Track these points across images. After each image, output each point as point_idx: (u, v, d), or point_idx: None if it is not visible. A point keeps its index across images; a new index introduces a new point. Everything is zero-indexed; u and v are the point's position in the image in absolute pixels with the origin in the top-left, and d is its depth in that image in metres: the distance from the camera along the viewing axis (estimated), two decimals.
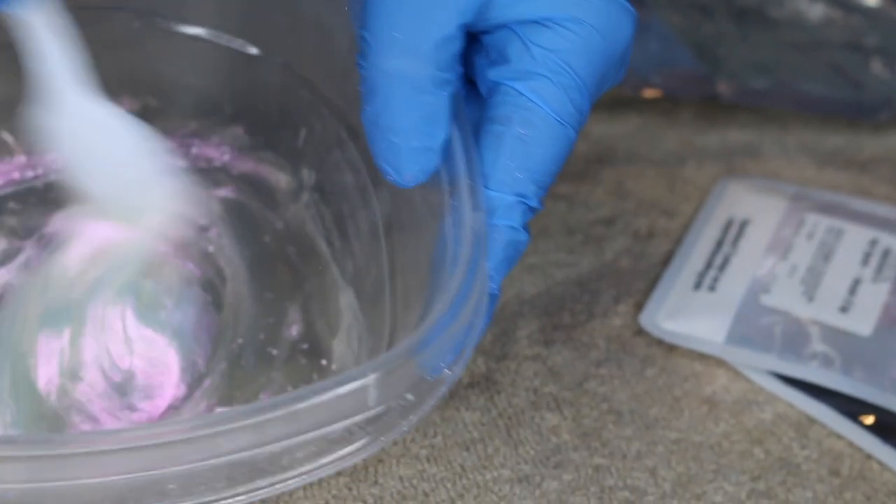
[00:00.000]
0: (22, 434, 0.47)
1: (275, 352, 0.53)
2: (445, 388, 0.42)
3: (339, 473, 0.50)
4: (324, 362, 0.52)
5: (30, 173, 0.56)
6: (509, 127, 0.46)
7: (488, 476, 0.51)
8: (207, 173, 0.57)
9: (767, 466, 0.52)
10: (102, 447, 0.38)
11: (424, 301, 0.46)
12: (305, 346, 0.53)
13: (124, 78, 0.57)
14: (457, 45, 0.45)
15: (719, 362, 0.56)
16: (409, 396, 0.41)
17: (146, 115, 0.57)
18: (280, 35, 0.56)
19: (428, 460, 0.51)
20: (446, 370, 0.42)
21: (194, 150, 0.58)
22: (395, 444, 0.51)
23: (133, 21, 0.56)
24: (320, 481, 0.50)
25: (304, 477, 0.41)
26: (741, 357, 0.55)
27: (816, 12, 0.69)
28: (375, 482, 0.50)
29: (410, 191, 0.47)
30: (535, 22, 0.46)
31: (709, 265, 0.58)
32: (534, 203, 0.46)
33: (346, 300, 0.53)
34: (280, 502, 0.49)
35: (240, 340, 0.53)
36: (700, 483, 0.51)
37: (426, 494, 0.50)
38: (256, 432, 0.38)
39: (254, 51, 0.56)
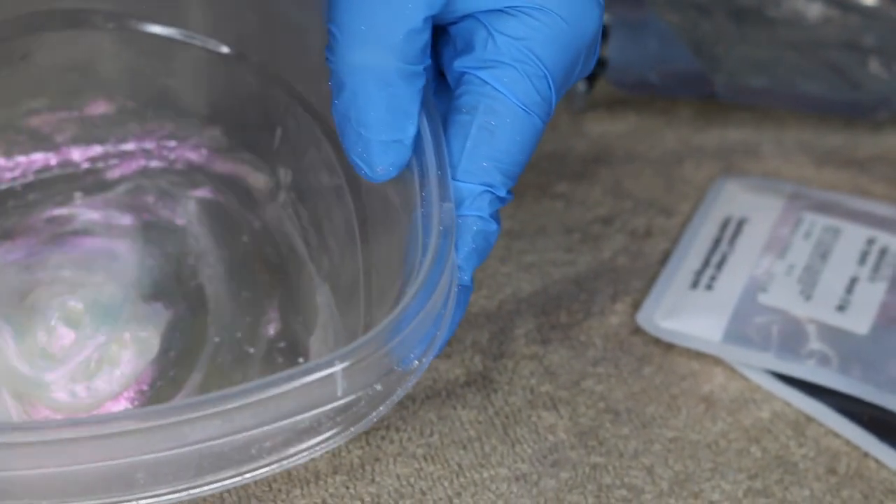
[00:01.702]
0: None
1: (252, 350, 0.53)
2: (414, 379, 0.42)
3: (335, 472, 0.50)
4: (301, 360, 0.52)
5: (7, 175, 0.56)
6: (475, 116, 0.46)
7: (485, 475, 0.51)
8: (185, 174, 0.57)
9: (765, 465, 0.52)
10: (69, 434, 0.38)
11: (396, 295, 0.46)
12: (283, 344, 0.53)
13: (100, 80, 0.57)
14: (424, 38, 0.45)
15: (716, 361, 0.56)
16: (378, 387, 0.41)
17: (123, 117, 0.57)
18: (254, 35, 0.56)
19: (425, 459, 0.51)
20: (416, 360, 0.42)
21: (172, 152, 0.58)
22: (391, 442, 0.51)
23: (107, 23, 0.56)
24: (317, 479, 0.50)
25: (273, 466, 0.40)
26: (738, 356, 0.55)
27: (814, 11, 0.69)
28: (372, 481, 0.50)
29: (385, 188, 0.47)
30: (500, 11, 0.46)
31: (706, 264, 0.58)
32: (501, 192, 0.46)
33: (323, 298, 0.53)
34: (277, 500, 0.49)
35: (216, 339, 0.53)
36: (697, 481, 0.51)
37: (423, 493, 0.50)
38: (225, 421, 0.38)
39: (227, 51, 0.56)
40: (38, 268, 0.53)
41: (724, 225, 0.60)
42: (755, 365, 0.55)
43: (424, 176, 0.45)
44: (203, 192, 0.57)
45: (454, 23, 0.47)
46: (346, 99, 0.45)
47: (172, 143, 0.58)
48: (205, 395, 0.39)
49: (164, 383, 0.51)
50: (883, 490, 0.51)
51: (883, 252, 0.58)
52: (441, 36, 0.47)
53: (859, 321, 0.56)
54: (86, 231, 0.55)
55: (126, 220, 0.56)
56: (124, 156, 0.57)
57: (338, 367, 0.39)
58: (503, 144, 0.46)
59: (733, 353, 0.55)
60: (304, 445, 0.41)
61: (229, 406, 0.38)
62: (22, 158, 0.56)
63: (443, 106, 0.47)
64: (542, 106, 0.46)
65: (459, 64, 0.46)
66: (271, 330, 0.53)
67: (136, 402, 0.51)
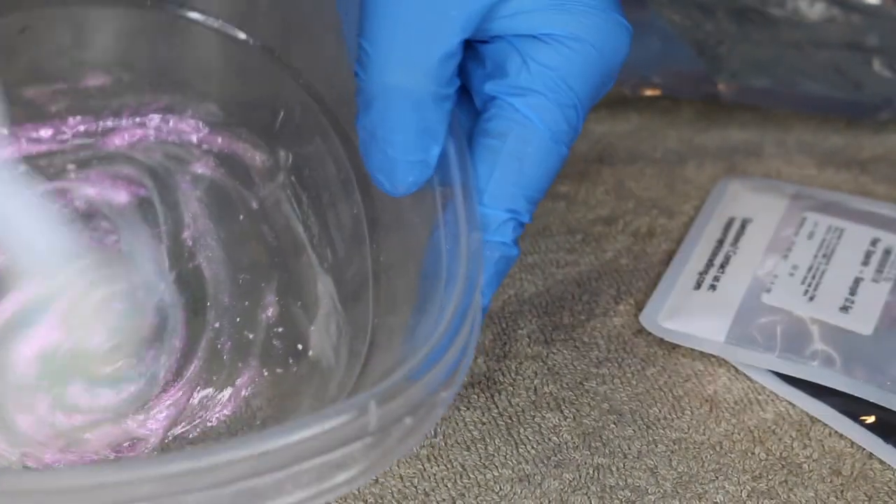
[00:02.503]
0: (5, 468, 0.47)
1: (251, 336, 0.52)
2: (443, 410, 0.42)
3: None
4: (300, 347, 0.52)
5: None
6: (505, 143, 0.46)
7: (489, 475, 0.51)
8: (181, 147, 0.57)
9: (769, 466, 0.52)
10: (98, 480, 0.37)
11: (414, 310, 0.46)
12: (281, 329, 0.53)
13: (98, 54, 0.56)
14: (457, 60, 0.45)
15: (720, 362, 0.55)
16: (408, 420, 0.41)
17: (119, 89, 0.56)
18: (261, 17, 0.56)
19: (428, 460, 0.51)
20: (441, 392, 0.41)
21: (167, 125, 0.57)
22: None
23: None
24: None
25: (307, 501, 0.40)
26: (742, 356, 0.55)
27: (817, 11, 0.69)
28: (376, 481, 0.50)
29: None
30: (535, 37, 0.46)
31: (709, 264, 0.58)
32: (525, 219, 0.46)
33: (325, 288, 0.53)
34: None
35: (216, 324, 0.52)
36: (701, 482, 0.51)
37: (427, 494, 0.50)
38: (260, 461, 0.38)
39: (231, 31, 0.56)
40: None
41: (728, 225, 0.60)
42: (759, 366, 0.55)
43: (448, 196, 0.45)
44: (199, 168, 0.56)
45: (484, 42, 0.47)
46: (374, 117, 0.45)
47: (168, 117, 0.57)
48: (241, 438, 0.39)
49: (163, 372, 0.51)
50: (887, 491, 0.51)
51: (887, 252, 0.58)
52: (468, 51, 0.47)
53: (863, 322, 0.56)
54: (83, 207, 0.54)
55: (121, 196, 0.55)
56: (119, 128, 0.57)
57: (371, 405, 0.39)
58: (531, 172, 0.46)
59: (737, 353, 0.55)
60: (333, 482, 0.40)
61: (262, 448, 0.38)
62: (14, 128, 0.55)
63: (464, 121, 0.47)
64: (569, 134, 0.46)
65: (491, 88, 0.46)
66: (270, 314, 0.53)
67: (134, 389, 0.50)
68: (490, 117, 0.46)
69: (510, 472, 0.51)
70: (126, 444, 0.49)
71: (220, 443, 0.41)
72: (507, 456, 0.51)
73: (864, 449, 0.53)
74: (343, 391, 0.50)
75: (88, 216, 0.55)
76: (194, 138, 0.57)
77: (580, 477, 0.51)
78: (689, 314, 0.56)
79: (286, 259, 0.54)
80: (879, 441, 0.52)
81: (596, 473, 0.51)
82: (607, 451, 0.52)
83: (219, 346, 0.52)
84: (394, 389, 0.40)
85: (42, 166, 0.56)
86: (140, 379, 0.51)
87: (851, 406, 0.53)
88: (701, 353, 0.56)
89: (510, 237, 0.46)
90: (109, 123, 0.57)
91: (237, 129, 0.57)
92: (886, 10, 0.69)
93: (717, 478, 0.51)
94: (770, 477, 0.51)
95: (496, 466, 0.51)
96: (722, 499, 0.51)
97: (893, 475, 0.52)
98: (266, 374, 0.52)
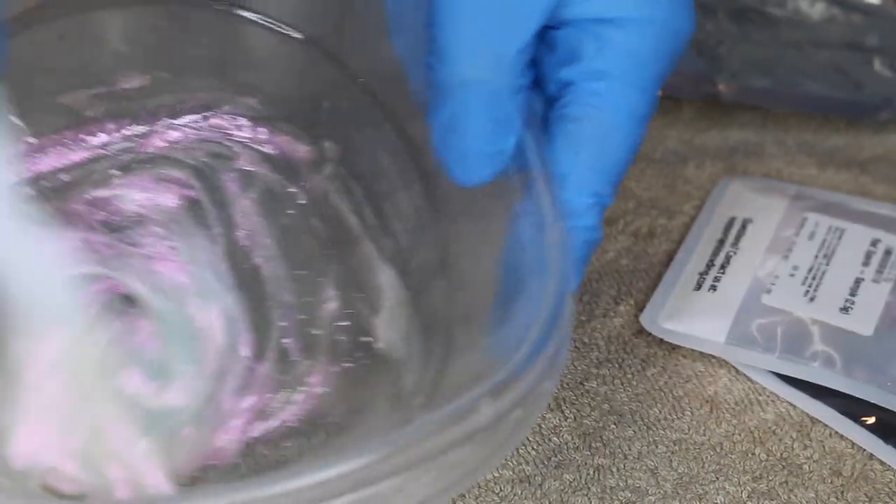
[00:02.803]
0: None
1: (316, 332, 0.52)
2: (546, 401, 0.42)
3: None
4: (366, 339, 0.52)
5: (43, 157, 0.55)
6: (584, 127, 0.46)
7: (489, 476, 0.51)
8: (221, 145, 0.56)
9: (769, 467, 0.52)
10: None
11: (499, 299, 0.46)
12: (345, 323, 0.52)
13: (134, 55, 0.55)
14: (532, 50, 0.45)
15: (721, 362, 0.55)
16: (517, 413, 0.41)
17: (156, 89, 0.55)
18: (306, 8, 0.55)
19: None
20: (545, 383, 0.42)
21: (206, 122, 0.57)
22: None
23: None
24: None
25: None
26: (742, 357, 0.55)
27: (817, 11, 0.69)
28: None
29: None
30: (608, 21, 0.46)
31: (710, 265, 0.58)
32: (609, 202, 0.46)
33: (387, 279, 0.53)
34: None
35: (282, 323, 0.52)
36: (701, 483, 0.51)
37: None
38: (376, 466, 0.38)
39: (274, 24, 0.55)
40: (100, 261, 0.51)
41: (728, 226, 0.60)
42: (759, 366, 0.55)
43: (529, 186, 0.45)
44: (243, 164, 0.55)
45: (555, 28, 0.46)
46: (450, 110, 0.45)
47: (207, 114, 0.56)
48: (360, 440, 0.39)
49: (235, 380, 0.50)
50: (888, 492, 0.51)
51: (887, 253, 0.58)
52: (537, 38, 0.47)
53: (864, 322, 0.55)
54: (134, 215, 0.54)
55: (170, 199, 0.54)
56: (157, 129, 0.56)
57: (485, 400, 0.39)
58: (612, 155, 0.46)
59: (737, 354, 0.55)
60: (453, 478, 0.40)
61: (384, 451, 0.38)
62: (54, 137, 0.54)
63: (538, 106, 0.47)
64: (645, 116, 0.46)
65: (566, 73, 0.46)
66: (332, 308, 0.52)
67: (205, 400, 0.50)
68: (567, 102, 0.46)
69: (510, 472, 0.51)
70: (208, 458, 0.49)
71: (348, 450, 0.40)
72: (508, 456, 0.51)
73: (864, 450, 0.52)
74: (423, 383, 0.49)
75: (139, 222, 0.54)
76: (235, 134, 0.56)
77: (580, 478, 0.51)
78: (689, 315, 0.56)
79: (341, 251, 0.54)
80: (880, 442, 0.52)
81: (596, 474, 0.51)
82: (608, 451, 0.52)
83: (286, 347, 0.52)
84: (504, 384, 0.40)
85: (85, 174, 0.55)
86: (210, 388, 0.50)
87: (852, 407, 0.53)
88: (701, 353, 0.55)
89: (595, 221, 0.46)
90: (147, 125, 0.56)
91: (278, 123, 0.56)
92: (887, 9, 0.69)
93: (717, 479, 0.51)
94: (770, 478, 0.51)
95: (496, 467, 0.51)
96: (722, 500, 0.50)
97: (894, 476, 0.52)
98: (335, 369, 0.51)
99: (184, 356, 0.49)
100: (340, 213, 0.54)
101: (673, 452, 0.52)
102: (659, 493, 0.51)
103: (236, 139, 0.56)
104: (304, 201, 0.55)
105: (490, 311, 0.46)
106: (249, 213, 0.54)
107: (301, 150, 0.56)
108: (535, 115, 0.46)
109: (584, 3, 0.46)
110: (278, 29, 0.56)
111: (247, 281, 0.52)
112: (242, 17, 0.56)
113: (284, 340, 0.51)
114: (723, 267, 0.58)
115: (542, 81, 0.48)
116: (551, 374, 0.41)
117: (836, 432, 0.53)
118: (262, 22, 0.56)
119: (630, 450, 0.52)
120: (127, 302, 0.50)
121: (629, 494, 0.50)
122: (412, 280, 0.52)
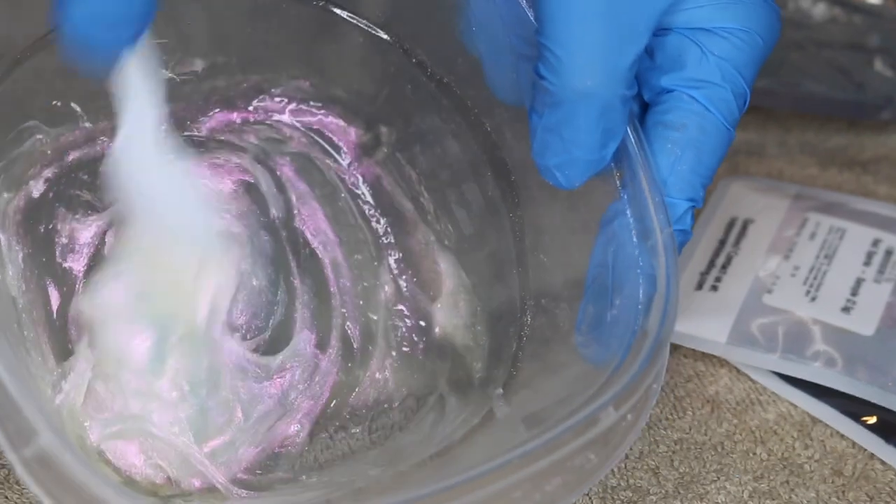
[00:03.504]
0: None
1: (374, 317, 0.52)
2: (653, 400, 0.43)
3: None
4: (423, 324, 0.52)
5: (97, 146, 0.53)
6: (685, 134, 0.47)
7: None
8: (273, 128, 0.55)
9: (770, 466, 0.52)
10: None
11: (591, 297, 0.47)
12: (401, 307, 0.52)
13: (195, 40, 0.54)
14: (640, 61, 0.46)
15: (722, 362, 0.55)
16: (630, 417, 0.42)
17: (210, 73, 0.54)
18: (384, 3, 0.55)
19: None
20: (653, 385, 0.43)
21: (259, 104, 0.55)
22: None
23: None
24: None
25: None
26: (744, 357, 0.55)
27: (819, 11, 0.69)
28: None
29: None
30: (709, 30, 0.47)
31: (711, 265, 0.58)
32: (700, 205, 0.48)
33: (448, 267, 0.53)
34: None
35: (343, 310, 0.52)
36: (703, 483, 0.51)
37: None
38: (503, 471, 0.40)
39: (339, 11, 0.55)
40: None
41: (730, 226, 0.60)
42: (760, 366, 0.55)
43: (625, 187, 0.46)
44: (295, 146, 0.55)
45: (655, 35, 0.47)
46: (560, 118, 0.45)
47: (260, 96, 0.55)
48: (486, 452, 0.41)
49: (301, 366, 0.50)
50: (889, 492, 0.51)
51: (888, 253, 0.58)
52: None
53: (865, 322, 0.56)
54: None
55: (226, 184, 0.53)
56: (210, 113, 0.55)
57: (608, 406, 0.41)
58: (707, 160, 0.47)
59: (738, 354, 0.55)
60: (572, 482, 0.42)
61: (511, 455, 0.40)
62: (104, 124, 0.52)
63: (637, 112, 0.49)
64: (738, 120, 0.48)
65: (668, 81, 0.47)
66: (388, 292, 0.52)
67: (283, 392, 0.50)
68: (668, 109, 0.47)
69: None
70: (277, 446, 0.49)
71: (479, 463, 0.41)
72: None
73: (865, 449, 0.53)
74: (496, 373, 0.50)
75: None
76: (286, 118, 0.56)
77: None
78: (690, 314, 0.56)
79: (396, 236, 0.54)
80: (881, 442, 0.53)
81: None
82: None
83: (348, 332, 0.52)
84: (625, 393, 0.41)
85: None
86: (277, 375, 0.50)
87: (853, 407, 0.53)
88: (702, 353, 0.56)
89: (689, 224, 0.47)
90: (200, 109, 0.55)
91: (331, 106, 0.55)
92: (888, 10, 0.70)
93: (718, 478, 0.51)
94: (771, 477, 0.51)
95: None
96: (723, 499, 0.51)
97: (895, 476, 0.52)
98: (395, 354, 0.51)
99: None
100: (394, 199, 0.54)
101: (674, 452, 0.52)
102: (660, 492, 0.51)
103: (286, 122, 0.56)
104: (354, 184, 0.55)
105: (578, 306, 0.47)
106: (305, 197, 0.54)
107: (353, 132, 0.55)
108: (636, 122, 0.47)
109: (690, 12, 0.47)
110: (351, 20, 0.55)
111: (308, 267, 0.52)
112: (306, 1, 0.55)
113: (346, 325, 0.52)
114: (724, 267, 0.58)
115: (639, 86, 0.48)
116: (658, 376, 0.43)
117: (837, 432, 0.53)
118: (327, 8, 0.55)
119: (631, 449, 0.52)
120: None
121: (630, 494, 0.50)
122: (481, 269, 0.52)
